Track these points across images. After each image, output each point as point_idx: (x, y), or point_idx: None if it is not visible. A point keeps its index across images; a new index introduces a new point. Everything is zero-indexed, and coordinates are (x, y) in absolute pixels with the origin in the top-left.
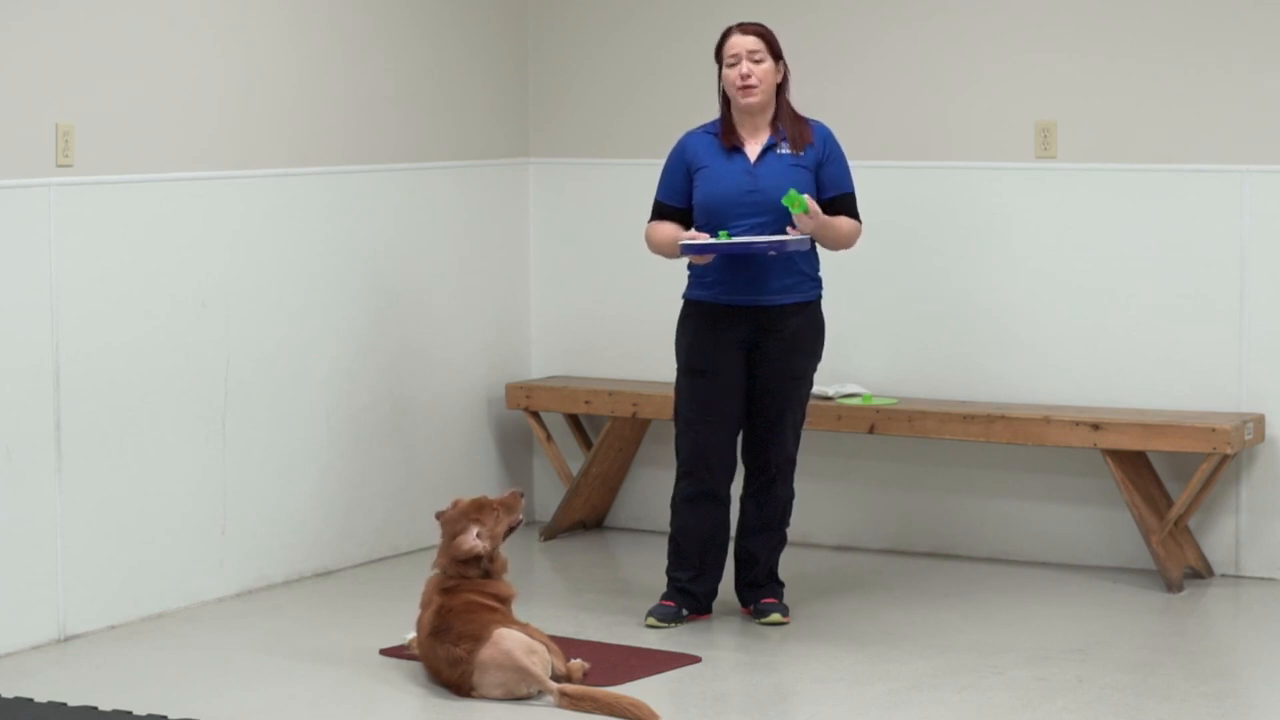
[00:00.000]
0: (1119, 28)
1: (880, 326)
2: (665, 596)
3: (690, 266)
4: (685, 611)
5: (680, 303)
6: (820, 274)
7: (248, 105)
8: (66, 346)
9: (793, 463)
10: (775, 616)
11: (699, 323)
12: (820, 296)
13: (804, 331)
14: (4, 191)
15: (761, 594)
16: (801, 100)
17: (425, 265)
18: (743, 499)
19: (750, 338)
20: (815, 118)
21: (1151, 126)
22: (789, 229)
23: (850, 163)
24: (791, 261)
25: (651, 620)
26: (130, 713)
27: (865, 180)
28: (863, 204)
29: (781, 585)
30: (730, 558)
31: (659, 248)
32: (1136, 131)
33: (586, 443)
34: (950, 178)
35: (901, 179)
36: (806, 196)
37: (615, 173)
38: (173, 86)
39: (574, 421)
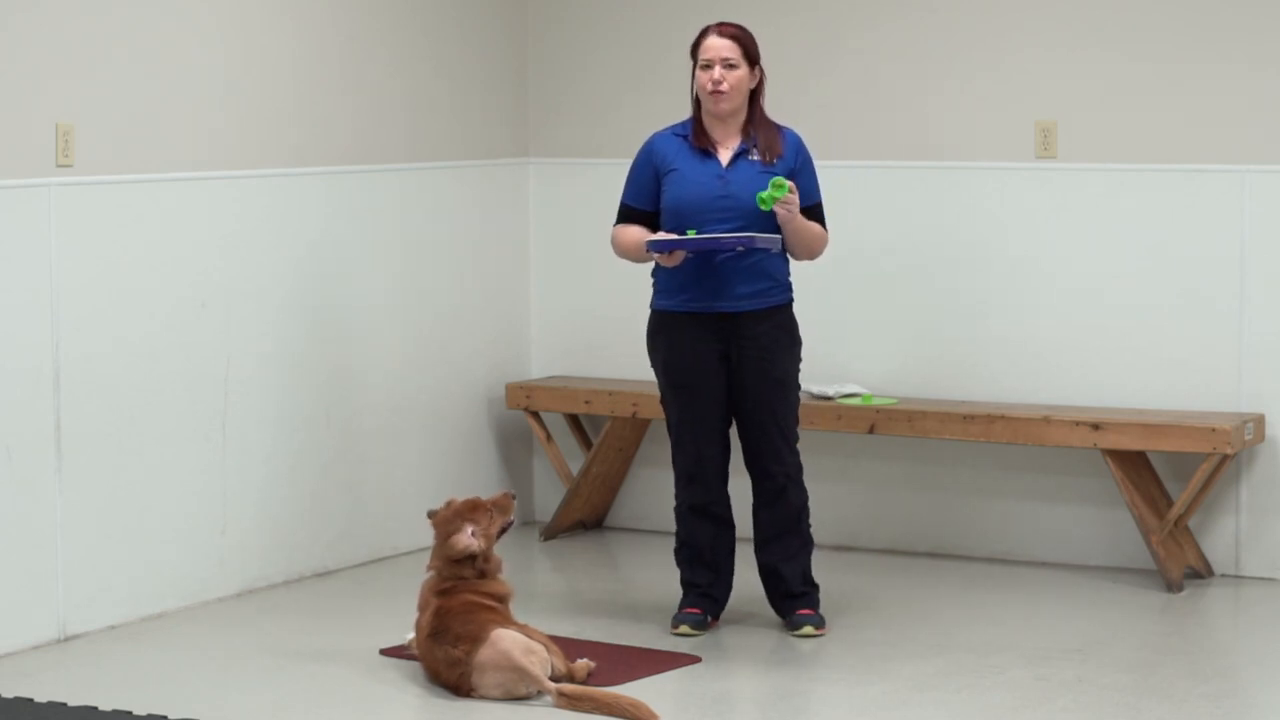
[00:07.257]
0: (1119, 28)
1: (880, 326)
2: (690, 604)
3: (655, 273)
4: (709, 617)
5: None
6: (790, 278)
7: (248, 105)
8: (66, 346)
9: (799, 467)
10: (807, 629)
11: (671, 338)
12: (791, 300)
13: (777, 336)
14: (4, 191)
15: (797, 604)
16: (798, 100)
17: (425, 265)
18: (753, 511)
19: (724, 346)
20: (811, 118)
21: (1151, 126)
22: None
23: (849, 163)
24: (760, 267)
25: (685, 629)
26: (130, 713)
27: (865, 180)
28: (862, 204)
29: (817, 590)
30: (756, 574)
31: (626, 251)
32: (1136, 131)
33: (586, 443)
34: (950, 178)
35: (901, 179)
36: (787, 182)
37: (616, 173)
38: (173, 86)
39: (574, 422)
